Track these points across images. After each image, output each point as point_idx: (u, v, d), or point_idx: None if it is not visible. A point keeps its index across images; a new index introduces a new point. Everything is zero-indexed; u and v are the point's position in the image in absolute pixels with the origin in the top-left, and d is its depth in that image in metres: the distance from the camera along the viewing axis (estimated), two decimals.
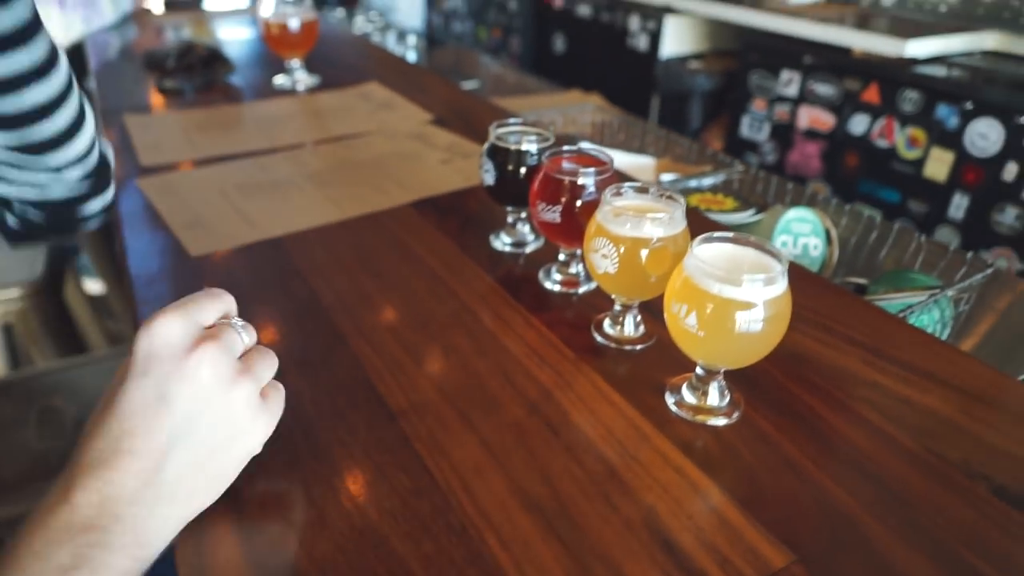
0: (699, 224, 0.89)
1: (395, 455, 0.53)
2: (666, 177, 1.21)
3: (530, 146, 0.75)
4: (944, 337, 0.92)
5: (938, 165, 1.91)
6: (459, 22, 4.08)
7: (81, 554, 0.37)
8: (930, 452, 0.54)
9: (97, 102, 1.31)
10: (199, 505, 0.44)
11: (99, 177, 0.71)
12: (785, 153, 2.36)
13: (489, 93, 1.99)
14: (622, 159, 1.32)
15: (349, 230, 0.86)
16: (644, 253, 0.59)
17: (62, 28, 1.68)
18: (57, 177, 0.66)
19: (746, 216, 1.05)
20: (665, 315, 0.55)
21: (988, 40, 2.09)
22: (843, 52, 2.12)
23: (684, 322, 0.52)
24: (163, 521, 0.41)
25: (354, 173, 1.01)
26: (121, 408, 0.41)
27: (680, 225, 0.60)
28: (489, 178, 0.77)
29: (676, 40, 2.78)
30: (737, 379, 0.60)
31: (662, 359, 0.64)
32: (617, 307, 0.67)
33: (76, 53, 1.77)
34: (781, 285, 0.52)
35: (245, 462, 0.46)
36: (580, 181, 0.67)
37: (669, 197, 0.62)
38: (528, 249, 0.82)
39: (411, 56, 2.10)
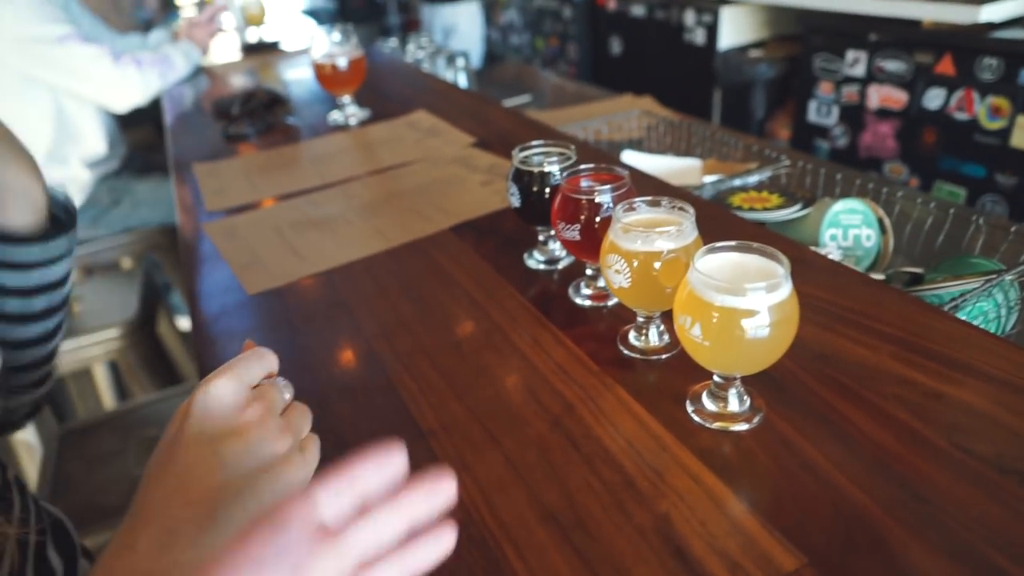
0: (733, 226, 0.89)
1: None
2: (709, 178, 1.20)
3: (552, 167, 0.78)
4: (1011, 322, 0.87)
5: None
6: (516, 35, 4.14)
7: None
8: (959, 448, 0.52)
9: (171, 155, 1.42)
10: None
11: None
12: (857, 135, 2.27)
13: (549, 106, 2.02)
14: (667, 163, 1.32)
15: (393, 258, 0.91)
16: (656, 266, 0.60)
17: (141, 87, 1.81)
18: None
19: (792, 212, 1.03)
20: (675, 326, 0.56)
21: None
22: (911, 25, 2.03)
23: (690, 333, 0.54)
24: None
25: (399, 202, 1.06)
26: (177, 460, 0.46)
27: (691, 236, 0.61)
28: (515, 200, 0.80)
29: (733, 31, 2.73)
30: (761, 383, 0.61)
31: (686, 367, 0.64)
32: (640, 318, 0.68)
33: (154, 108, 1.93)
34: (785, 290, 0.52)
35: None
36: (596, 199, 0.69)
37: (681, 208, 0.63)
38: (560, 265, 0.84)
39: (461, 79, 2.15)
